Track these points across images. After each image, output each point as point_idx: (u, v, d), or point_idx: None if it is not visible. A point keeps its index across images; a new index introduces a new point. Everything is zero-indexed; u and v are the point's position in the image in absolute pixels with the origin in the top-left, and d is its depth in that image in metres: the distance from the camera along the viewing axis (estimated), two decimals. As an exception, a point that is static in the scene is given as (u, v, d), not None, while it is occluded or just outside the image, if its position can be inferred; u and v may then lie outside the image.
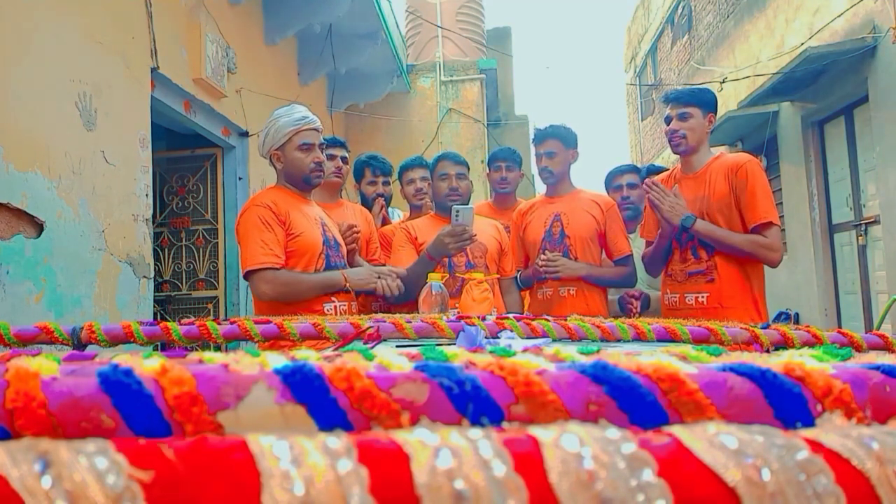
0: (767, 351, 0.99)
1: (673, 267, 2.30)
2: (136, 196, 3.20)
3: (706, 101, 2.27)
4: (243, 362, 0.32)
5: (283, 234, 2.00)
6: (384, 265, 2.51)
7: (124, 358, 0.34)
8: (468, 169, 2.59)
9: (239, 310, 4.46)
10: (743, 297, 2.16)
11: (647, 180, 2.29)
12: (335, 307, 2.04)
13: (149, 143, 3.34)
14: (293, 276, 1.99)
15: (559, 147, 2.58)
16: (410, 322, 1.13)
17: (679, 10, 9.75)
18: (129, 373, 0.30)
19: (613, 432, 0.27)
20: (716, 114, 2.30)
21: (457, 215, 2.19)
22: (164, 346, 1.10)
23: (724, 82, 6.82)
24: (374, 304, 2.60)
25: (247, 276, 1.99)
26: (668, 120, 2.30)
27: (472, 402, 0.30)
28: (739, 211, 2.17)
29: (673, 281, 2.29)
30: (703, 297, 2.19)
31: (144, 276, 3.22)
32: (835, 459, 0.26)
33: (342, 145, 2.74)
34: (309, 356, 0.36)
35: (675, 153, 2.33)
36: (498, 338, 1.04)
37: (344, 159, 2.71)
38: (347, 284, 2.05)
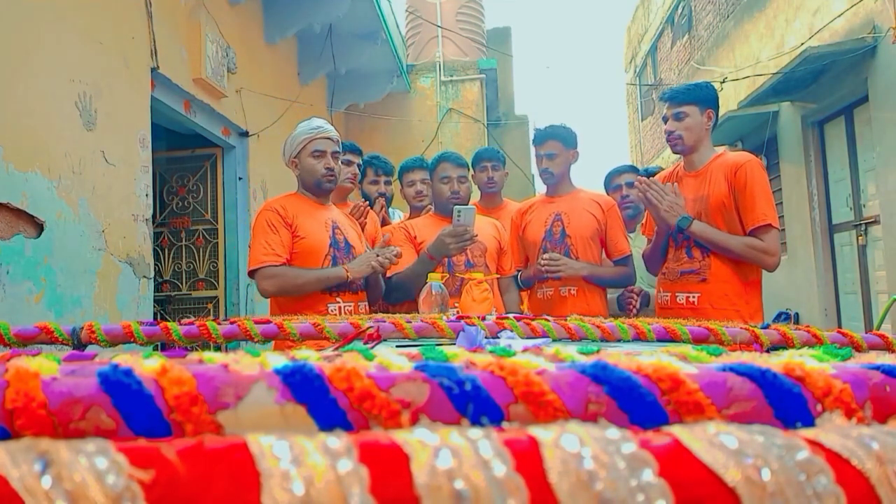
0: (767, 351, 0.99)
1: (667, 265, 2.26)
2: (136, 196, 3.20)
3: (704, 98, 2.18)
4: (243, 362, 0.32)
5: (288, 237, 2.10)
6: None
7: (124, 358, 0.34)
8: (469, 170, 2.58)
9: (239, 310, 4.46)
10: (735, 300, 2.11)
11: (644, 178, 2.25)
12: (339, 308, 2.06)
13: (149, 143, 3.34)
14: (292, 270, 2.08)
15: (559, 148, 2.57)
16: (410, 322, 1.13)
17: (679, 10, 9.75)
18: (129, 373, 0.30)
19: (613, 432, 0.27)
20: (716, 109, 2.21)
21: (458, 215, 2.18)
22: (164, 346, 1.10)
23: (724, 82, 6.81)
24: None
25: (251, 275, 2.11)
26: (665, 120, 2.24)
27: (472, 402, 0.30)
28: (738, 212, 2.12)
29: (666, 279, 2.26)
30: (694, 297, 2.15)
31: (144, 276, 3.22)
32: (835, 459, 0.26)
33: (359, 152, 2.80)
34: (309, 356, 0.36)
35: (674, 153, 2.30)
36: (498, 338, 1.04)
37: (359, 166, 2.78)
38: (349, 275, 2.07)
